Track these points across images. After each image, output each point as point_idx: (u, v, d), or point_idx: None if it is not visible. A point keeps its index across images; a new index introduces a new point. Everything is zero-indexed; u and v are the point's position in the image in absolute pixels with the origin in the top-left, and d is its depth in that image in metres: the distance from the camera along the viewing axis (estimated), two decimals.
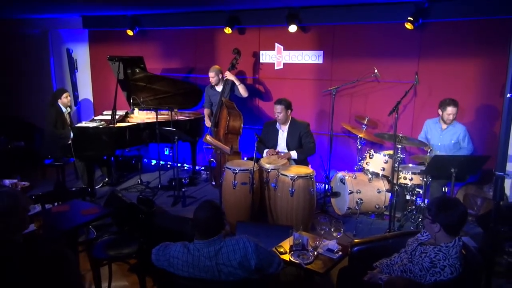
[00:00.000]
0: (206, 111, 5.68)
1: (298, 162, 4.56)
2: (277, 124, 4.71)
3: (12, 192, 1.84)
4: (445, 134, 4.37)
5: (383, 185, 4.53)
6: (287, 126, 4.67)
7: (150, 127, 5.40)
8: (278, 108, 4.52)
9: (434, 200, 2.45)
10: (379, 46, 5.11)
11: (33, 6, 5.51)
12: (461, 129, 4.30)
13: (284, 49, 5.69)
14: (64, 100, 5.46)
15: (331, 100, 5.03)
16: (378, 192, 4.50)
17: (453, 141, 4.31)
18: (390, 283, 1.86)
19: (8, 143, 6.21)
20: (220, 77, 5.42)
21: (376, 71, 4.93)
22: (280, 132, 4.72)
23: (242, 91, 5.32)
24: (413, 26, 4.60)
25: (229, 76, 5.30)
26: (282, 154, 4.57)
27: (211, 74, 5.38)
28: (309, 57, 5.55)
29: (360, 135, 4.87)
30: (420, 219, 4.20)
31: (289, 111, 4.59)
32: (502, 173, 2.85)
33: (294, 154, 4.54)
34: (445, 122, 4.33)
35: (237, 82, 5.31)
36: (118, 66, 5.45)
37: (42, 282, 1.65)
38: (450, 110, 4.23)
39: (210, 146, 5.15)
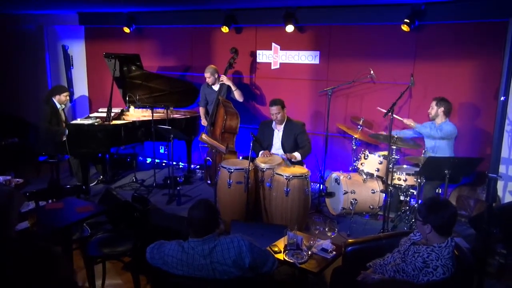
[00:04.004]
0: (201, 110, 5.67)
1: (293, 161, 4.57)
2: (273, 123, 4.72)
3: (5, 189, 1.84)
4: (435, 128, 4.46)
5: (377, 185, 4.55)
6: (282, 126, 4.68)
7: (146, 125, 5.38)
8: (275, 109, 4.53)
9: (424, 202, 2.49)
10: (375, 47, 5.13)
11: (28, 2, 5.47)
12: (451, 126, 4.38)
13: (280, 49, 5.70)
14: (62, 98, 5.43)
15: (327, 101, 5.05)
16: (372, 193, 4.52)
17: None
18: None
19: (2, 139, 6.16)
20: (216, 76, 5.40)
21: (372, 72, 4.95)
22: (275, 131, 4.73)
23: (237, 96, 5.31)
24: (409, 28, 4.63)
25: (225, 81, 5.27)
26: (288, 155, 4.54)
27: (207, 75, 5.36)
28: (306, 57, 5.56)
29: (355, 136, 4.89)
30: (413, 220, 4.23)
31: (285, 109, 4.61)
32: (495, 175, 2.88)
33: (298, 155, 4.55)
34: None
35: (233, 88, 5.28)
36: (114, 64, 5.43)
37: (29, 281, 1.64)
38: (431, 103, 4.43)
39: (206, 145, 5.15)
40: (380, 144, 5.15)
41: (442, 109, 4.36)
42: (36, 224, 2.82)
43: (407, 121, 4.56)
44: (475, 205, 4.42)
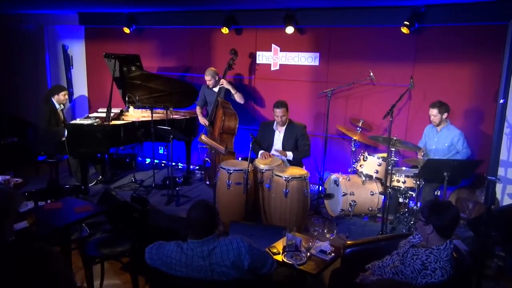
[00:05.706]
0: (198, 109, 5.65)
1: (292, 163, 4.57)
2: (274, 125, 4.72)
3: (8, 190, 1.84)
4: (439, 137, 4.42)
5: (376, 187, 4.56)
6: (284, 128, 4.68)
7: (145, 126, 5.38)
8: (280, 111, 4.52)
9: (427, 203, 2.48)
10: (375, 49, 5.13)
11: (29, 2, 5.47)
12: (456, 132, 4.35)
13: (280, 50, 5.70)
14: (61, 97, 5.43)
15: (326, 102, 5.06)
16: (371, 195, 4.53)
17: (446, 144, 4.36)
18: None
19: (2, 139, 6.16)
20: (216, 79, 5.38)
21: (371, 74, 4.96)
22: (276, 133, 4.72)
23: (238, 99, 5.31)
24: (409, 30, 4.64)
25: (225, 84, 5.26)
26: (278, 153, 4.57)
27: (207, 78, 5.35)
28: (305, 58, 5.56)
29: (355, 138, 4.90)
30: (412, 222, 4.23)
31: (288, 111, 4.61)
32: (494, 178, 2.89)
33: (290, 154, 4.56)
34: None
35: (233, 91, 5.27)
36: (114, 64, 5.43)
37: (28, 282, 1.64)
38: (430, 111, 4.36)
39: (205, 146, 5.15)
40: (379, 146, 5.15)
41: (446, 114, 4.34)
42: (35, 224, 2.82)
43: (420, 153, 4.42)
44: (474, 207, 4.43)
